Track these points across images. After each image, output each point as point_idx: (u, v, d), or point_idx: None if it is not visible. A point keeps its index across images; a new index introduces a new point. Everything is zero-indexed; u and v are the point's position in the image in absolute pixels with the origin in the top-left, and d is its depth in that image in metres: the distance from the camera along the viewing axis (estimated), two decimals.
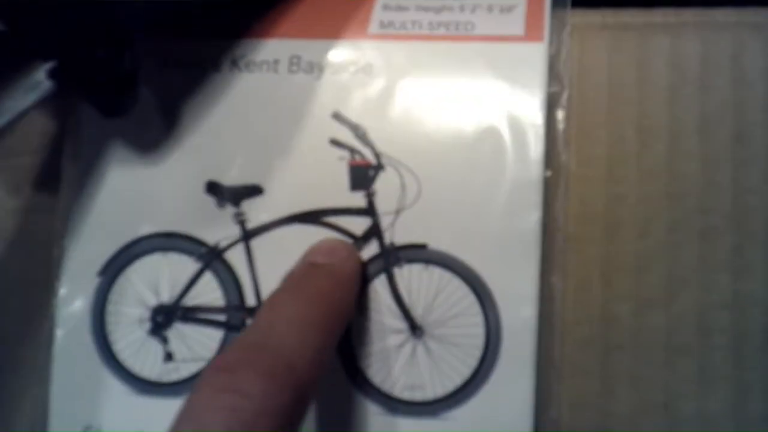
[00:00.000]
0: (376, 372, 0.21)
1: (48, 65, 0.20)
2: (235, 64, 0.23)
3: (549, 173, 0.21)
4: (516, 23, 0.22)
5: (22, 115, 0.20)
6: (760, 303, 0.21)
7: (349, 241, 0.21)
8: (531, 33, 0.22)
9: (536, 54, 0.21)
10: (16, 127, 0.22)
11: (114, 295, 0.22)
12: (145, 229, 0.22)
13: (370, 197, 0.21)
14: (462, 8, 0.23)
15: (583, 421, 0.21)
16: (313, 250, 0.20)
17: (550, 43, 0.22)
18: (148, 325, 0.22)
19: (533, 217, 0.21)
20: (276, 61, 0.23)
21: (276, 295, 0.19)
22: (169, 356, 0.22)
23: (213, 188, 0.22)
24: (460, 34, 0.22)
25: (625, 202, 0.21)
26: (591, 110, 0.22)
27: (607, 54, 0.22)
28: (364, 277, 0.21)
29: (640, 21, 0.22)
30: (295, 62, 0.23)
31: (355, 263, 0.20)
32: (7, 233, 0.23)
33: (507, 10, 0.22)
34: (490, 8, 0.22)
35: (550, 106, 0.22)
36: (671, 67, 0.22)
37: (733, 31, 0.22)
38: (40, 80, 0.20)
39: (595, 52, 0.22)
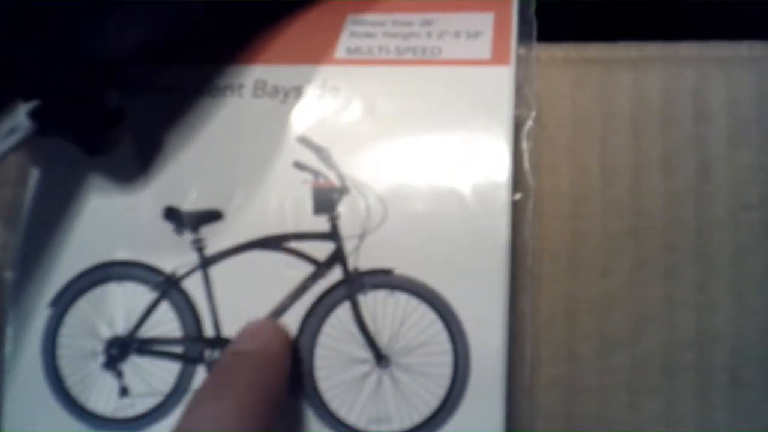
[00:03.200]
0: (340, 404, 0.20)
1: (28, 106, 0.19)
2: (197, 89, 0.22)
3: (517, 196, 0.21)
4: (483, 48, 0.22)
5: (3, 157, 0.19)
6: (724, 340, 0.20)
7: (312, 268, 0.21)
8: (497, 57, 0.22)
9: (503, 77, 0.21)
10: None
11: (66, 327, 0.21)
12: (99, 258, 0.21)
13: (333, 221, 0.21)
14: (429, 34, 0.22)
15: None
16: (237, 337, 0.20)
17: (517, 67, 0.21)
18: (102, 359, 0.21)
19: (501, 240, 0.20)
20: (240, 86, 0.22)
21: (201, 391, 0.18)
22: (124, 391, 0.21)
23: (171, 214, 0.21)
24: (427, 58, 0.22)
25: (589, 238, 0.21)
26: (554, 145, 0.22)
27: (571, 88, 0.22)
28: (326, 304, 0.20)
29: (603, 55, 0.22)
30: (260, 86, 0.22)
31: (282, 343, 0.20)
32: None
33: (474, 35, 0.22)
34: (457, 34, 0.22)
35: (517, 129, 0.21)
36: (634, 102, 0.22)
37: (696, 66, 0.22)
38: (20, 121, 0.19)
39: (558, 87, 0.22)
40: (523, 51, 0.22)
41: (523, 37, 0.22)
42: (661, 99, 0.22)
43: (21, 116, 0.19)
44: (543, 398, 0.21)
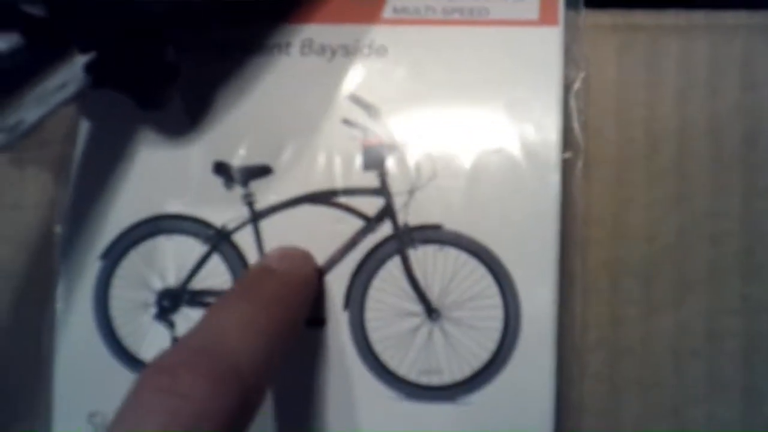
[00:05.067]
0: (391, 356, 0.20)
1: (85, 59, 0.19)
2: (244, 48, 0.22)
3: (567, 155, 0.21)
4: (530, 9, 0.22)
5: (56, 109, 0.19)
6: None
7: (362, 222, 0.21)
8: (545, 18, 0.22)
9: (551, 37, 0.21)
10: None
11: (117, 279, 0.21)
12: (149, 211, 0.21)
13: (383, 177, 0.21)
14: None
15: (591, 426, 0.20)
16: (267, 256, 0.20)
17: (565, 30, 0.21)
18: (154, 310, 0.21)
19: (552, 197, 0.20)
20: (288, 44, 0.22)
21: (225, 298, 0.18)
22: (176, 341, 0.21)
23: (221, 169, 0.21)
24: (474, 18, 0.22)
25: (633, 205, 0.21)
26: (600, 111, 0.22)
27: (617, 55, 0.22)
28: (377, 259, 0.20)
29: (650, 23, 0.22)
30: (307, 45, 0.22)
31: (310, 269, 0.20)
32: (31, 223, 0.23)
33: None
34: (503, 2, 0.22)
35: (566, 90, 0.21)
36: (681, 70, 0.22)
37: (743, 34, 0.22)
38: (76, 73, 0.19)
39: (605, 53, 0.22)
40: (570, 14, 0.22)
41: (570, 0, 0.22)
42: (708, 67, 0.22)
43: (77, 68, 0.19)
44: (588, 359, 0.21)
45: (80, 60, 0.19)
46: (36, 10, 0.17)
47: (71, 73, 0.19)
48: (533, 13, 0.22)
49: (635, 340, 0.21)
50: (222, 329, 0.16)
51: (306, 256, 0.20)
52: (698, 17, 0.22)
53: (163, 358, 0.16)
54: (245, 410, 0.15)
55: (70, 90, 0.19)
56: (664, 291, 0.21)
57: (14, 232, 0.23)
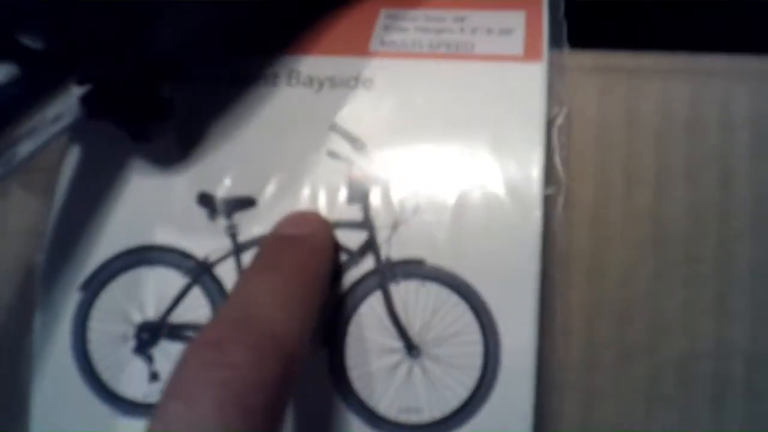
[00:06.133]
0: (370, 394, 0.20)
1: (81, 91, 0.19)
2: (232, 79, 0.23)
3: (549, 190, 0.21)
4: (515, 44, 0.22)
5: (50, 142, 0.19)
6: (742, 351, 0.20)
7: (345, 256, 0.21)
8: (530, 53, 0.22)
9: (535, 72, 0.21)
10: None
11: (97, 312, 0.21)
12: (131, 242, 0.21)
13: (366, 210, 0.21)
14: (462, 30, 0.23)
15: None
16: (282, 223, 0.20)
17: (549, 65, 0.22)
18: (132, 343, 0.21)
19: (533, 233, 0.20)
20: (275, 75, 0.22)
21: (251, 269, 0.18)
22: (154, 376, 0.21)
23: (205, 199, 0.21)
24: (460, 52, 0.22)
25: (610, 245, 0.21)
26: (579, 152, 0.22)
27: (598, 95, 0.22)
28: (358, 294, 0.20)
29: (630, 64, 0.22)
30: (294, 76, 0.22)
31: (328, 232, 0.20)
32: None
33: (506, 32, 0.22)
34: (489, 31, 0.22)
35: (548, 125, 0.21)
36: (660, 111, 0.22)
37: (722, 79, 0.22)
38: (70, 105, 0.19)
39: (585, 93, 0.22)
40: (554, 52, 0.22)
41: (554, 37, 0.22)
42: (687, 109, 0.22)
43: (72, 100, 0.19)
44: (563, 402, 0.21)
45: (76, 92, 0.19)
46: (33, 42, 0.18)
47: (66, 105, 0.19)
48: (518, 49, 0.22)
49: (609, 385, 0.21)
50: (255, 300, 0.17)
51: (321, 220, 0.20)
52: (678, 61, 0.22)
53: (206, 332, 0.16)
54: (288, 379, 0.16)
55: (65, 122, 0.19)
56: (639, 335, 0.21)
57: None
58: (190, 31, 0.20)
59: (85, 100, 0.19)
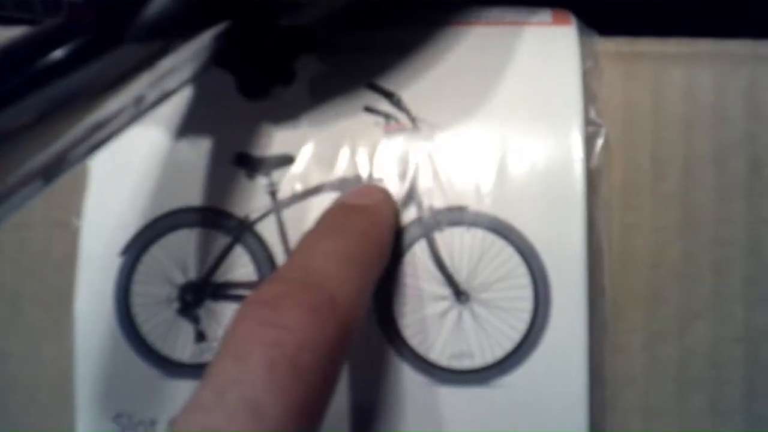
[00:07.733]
0: (420, 342, 0.20)
1: (217, 29, 0.18)
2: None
3: (590, 129, 0.21)
4: (544, 17, 0.22)
5: (182, 86, 0.18)
6: None
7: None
8: (558, 20, 0.22)
9: (567, 33, 0.22)
10: None
11: (139, 275, 0.21)
12: (171, 205, 0.21)
13: (405, 162, 0.21)
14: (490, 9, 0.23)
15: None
16: (348, 194, 0.20)
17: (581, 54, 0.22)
18: (176, 305, 0.21)
19: (577, 174, 0.20)
20: None
21: (312, 232, 0.18)
22: (200, 336, 0.21)
23: (243, 159, 0.21)
24: (491, 20, 0.22)
25: (638, 231, 0.21)
26: (606, 137, 0.22)
27: (623, 82, 0.22)
28: (403, 243, 0.20)
29: (655, 50, 0.22)
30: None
31: (392, 205, 0.20)
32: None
33: (533, 13, 0.23)
34: (517, 12, 0.23)
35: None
36: (686, 97, 0.22)
37: (748, 63, 0.22)
38: (206, 43, 0.18)
39: (611, 80, 0.22)
40: (584, 39, 0.22)
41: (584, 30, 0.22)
42: (713, 95, 0.22)
43: (207, 39, 0.18)
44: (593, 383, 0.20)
45: (210, 32, 0.18)
46: None
47: (201, 44, 0.17)
48: (547, 18, 0.22)
49: (638, 369, 0.21)
50: (314, 261, 0.17)
51: (386, 193, 0.20)
52: (703, 45, 0.22)
53: (262, 292, 0.16)
54: (342, 341, 0.15)
55: (195, 65, 0.18)
56: (668, 319, 0.21)
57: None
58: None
59: (220, 37, 0.18)
